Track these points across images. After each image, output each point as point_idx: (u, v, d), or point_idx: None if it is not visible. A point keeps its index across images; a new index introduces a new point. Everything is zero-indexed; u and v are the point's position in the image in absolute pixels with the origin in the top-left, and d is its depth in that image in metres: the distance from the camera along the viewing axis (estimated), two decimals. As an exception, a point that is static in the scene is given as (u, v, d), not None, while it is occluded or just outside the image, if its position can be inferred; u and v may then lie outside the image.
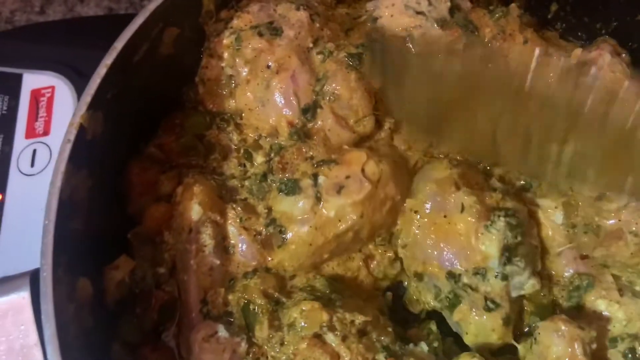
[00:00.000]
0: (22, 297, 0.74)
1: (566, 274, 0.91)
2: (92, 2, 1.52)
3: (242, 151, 0.93)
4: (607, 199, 0.88)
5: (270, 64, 0.90)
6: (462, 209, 0.84)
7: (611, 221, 0.88)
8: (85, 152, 0.80)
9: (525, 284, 0.85)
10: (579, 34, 1.11)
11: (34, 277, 0.74)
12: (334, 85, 0.89)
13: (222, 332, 0.80)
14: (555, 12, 1.10)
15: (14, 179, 1.07)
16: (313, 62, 0.91)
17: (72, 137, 0.78)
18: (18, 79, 1.15)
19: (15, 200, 1.05)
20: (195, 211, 0.85)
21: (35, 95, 1.15)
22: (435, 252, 0.86)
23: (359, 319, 0.80)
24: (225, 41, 0.94)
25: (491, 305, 0.84)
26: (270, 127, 0.91)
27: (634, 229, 0.86)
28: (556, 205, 0.92)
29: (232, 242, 0.87)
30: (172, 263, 0.86)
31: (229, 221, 0.87)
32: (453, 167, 0.90)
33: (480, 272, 0.84)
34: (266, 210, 0.88)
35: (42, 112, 1.14)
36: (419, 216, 0.88)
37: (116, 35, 0.85)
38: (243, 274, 0.85)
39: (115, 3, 1.52)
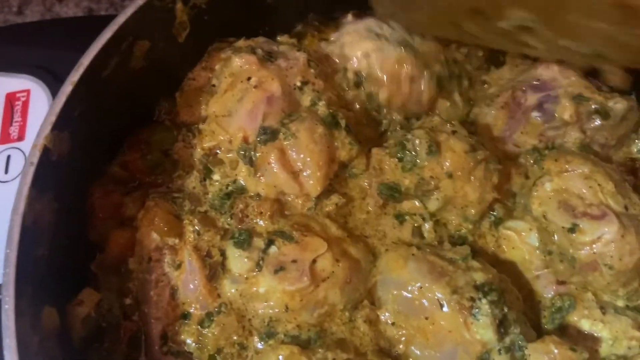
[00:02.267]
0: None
1: (547, 295, 0.89)
2: (71, 2, 1.48)
3: (202, 167, 0.90)
4: (579, 231, 0.85)
5: (252, 77, 0.88)
6: (442, 306, 0.80)
7: (585, 252, 0.84)
8: (50, 174, 0.77)
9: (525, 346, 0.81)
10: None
11: (-4, 308, 0.71)
12: (297, 126, 0.85)
13: (184, 371, 0.77)
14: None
15: (-13, 186, 1.04)
16: (294, 98, 0.89)
17: (35, 160, 0.75)
18: (-8, 82, 1.12)
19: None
20: (152, 238, 0.82)
21: (10, 99, 1.13)
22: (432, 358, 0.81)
23: (341, 356, 0.76)
24: (222, 55, 0.94)
25: None
26: (225, 138, 0.88)
27: (608, 262, 0.83)
28: (530, 227, 0.90)
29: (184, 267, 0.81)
30: (137, 292, 0.82)
31: (185, 243, 0.82)
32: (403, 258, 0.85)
33: (484, 357, 0.79)
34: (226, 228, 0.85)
35: (17, 117, 1.11)
36: (402, 330, 0.82)
37: (95, 38, 0.83)
38: (199, 321, 0.80)
39: (95, 3, 1.49)
